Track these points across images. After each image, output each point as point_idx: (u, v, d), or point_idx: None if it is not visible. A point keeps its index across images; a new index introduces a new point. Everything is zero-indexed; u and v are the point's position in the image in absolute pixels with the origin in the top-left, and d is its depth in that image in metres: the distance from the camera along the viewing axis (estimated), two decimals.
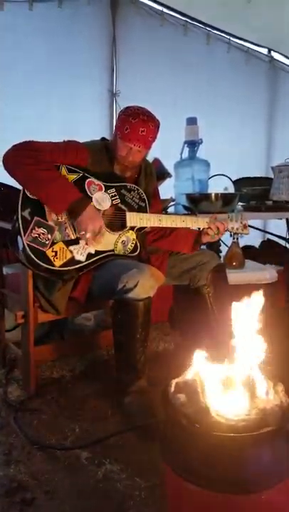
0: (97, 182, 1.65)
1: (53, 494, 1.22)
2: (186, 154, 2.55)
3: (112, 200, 1.67)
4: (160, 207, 2.05)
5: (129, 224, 1.68)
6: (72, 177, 1.61)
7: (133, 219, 1.69)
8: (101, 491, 1.23)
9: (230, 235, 1.93)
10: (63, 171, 1.61)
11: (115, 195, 1.68)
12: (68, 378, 1.91)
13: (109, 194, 1.67)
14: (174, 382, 1.09)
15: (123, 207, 1.69)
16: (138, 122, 1.62)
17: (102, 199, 1.65)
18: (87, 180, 1.64)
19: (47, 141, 1.61)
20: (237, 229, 1.87)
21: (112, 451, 1.39)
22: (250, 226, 2.13)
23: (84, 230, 1.56)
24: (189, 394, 1.03)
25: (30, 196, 1.56)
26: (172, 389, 1.06)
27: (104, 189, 1.67)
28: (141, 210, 1.72)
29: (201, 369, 1.07)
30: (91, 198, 1.62)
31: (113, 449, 1.40)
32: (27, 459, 1.36)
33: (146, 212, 1.73)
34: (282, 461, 0.96)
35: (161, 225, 1.74)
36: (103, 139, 1.81)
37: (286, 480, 0.94)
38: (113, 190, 1.68)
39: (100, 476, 1.28)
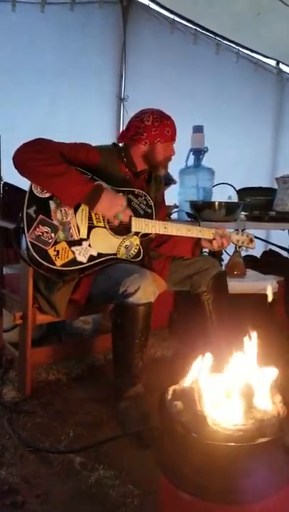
0: (105, 185, 1.66)
1: (44, 498, 1.20)
2: (191, 162, 2.56)
3: None
4: (165, 214, 2.05)
5: (134, 229, 1.68)
6: None
7: (138, 224, 1.68)
8: (93, 497, 1.21)
9: (235, 248, 1.92)
10: None
11: None
12: (64, 381, 1.90)
13: None
14: (171, 389, 1.08)
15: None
16: (171, 120, 1.76)
17: None
18: (96, 183, 1.64)
19: (57, 141, 1.61)
20: (242, 242, 1.87)
21: (106, 457, 1.37)
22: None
23: (110, 217, 1.59)
24: (186, 402, 1.02)
25: (37, 194, 1.56)
26: (169, 396, 1.05)
27: None
28: (147, 216, 1.72)
29: (198, 377, 1.06)
30: (103, 187, 1.62)
31: (107, 455, 1.38)
32: (19, 462, 1.35)
33: (152, 218, 1.72)
34: (278, 473, 0.95)
35: (166, 233, 1.74)
36: (114, 144, 1.82)
37: (281, 491, 0.93)
38: (120, 194, 1.68)
39: (93, 481, 1.27)
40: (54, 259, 1.55)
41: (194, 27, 3.46)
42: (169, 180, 2.40)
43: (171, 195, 2.48)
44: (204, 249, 1.96)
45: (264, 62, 3.96)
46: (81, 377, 1.94)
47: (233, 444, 0.91)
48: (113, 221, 1.62)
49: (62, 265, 1.56)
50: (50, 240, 1.55)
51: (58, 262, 1.55)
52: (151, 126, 1.71)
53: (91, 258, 1.60)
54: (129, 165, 1.77)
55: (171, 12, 3.31)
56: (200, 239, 1.83)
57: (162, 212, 1.96)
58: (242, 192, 2.81)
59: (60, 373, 1.95)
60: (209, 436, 0.93)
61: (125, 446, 1.43)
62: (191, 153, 2.55)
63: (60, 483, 1.26)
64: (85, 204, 1.58)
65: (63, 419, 1.59)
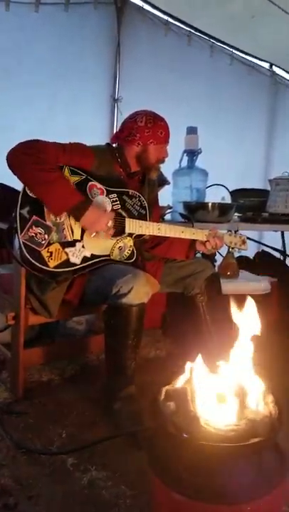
0: (99, 186, 1.65)
1: (37, 500, 1.20)
2: (184, 163, 2.57)
3: (113, 205, 1.67)
4: (159, 215, 2.06)
5: (127, 230, 1.68)
6: (75, 179, 1.61)
7: (132, 225, 1.68)
8: (86, 498, 1.21)
9: (228, 249, 1.93)
10: (66, 172, 1.61)
11: (116, 201, 1.68)
12: (57, 382, 1.89)
13: (110, 199, 1.67)
14: (164, 389, 1.08)
15: (123, 213, 1.69)
16: (164, 122, 1.76)
17: (102, 203, 1.65)
18: (90, 184, 1.64)
19: (53, 142, 1.61)
20: (235, 244, 1.88)
21: (98, 458, 1.37)
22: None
23: (93, 232, 1.58)
24: (179, 402, 1.02)
25: (31, 195, 1.56)
26: (162, 397, 1.06)
27: (105, 193, 1.67)
28: (141, 217, 1.72)
29: (191, 377, 1.06)
30: (91, 202, 1.62)
31: (100, 456, 1.38)
32: (11, 463, 1.34)
33: (146, 219, 1.73)
34: (270, 473, 0.95)
35: (160, 234, 1.74)
36: (108, 144, 1.82)
37: (273, 491, 0.93)
38: (114, 195, 1.68)
39: (86, 482, 1.27)
40: (47, 260, 1.54)
41: (188, 29, 3.47)
42: (162, 181, 2.40)
43: (165, 196, 2.48)
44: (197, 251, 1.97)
45: (258, 65, 3.98)
46: (74, 378, 1.93)
47: (225, 444, 0.91)
48: (96, 236, 1.60)
49: (56, 266, 1.55)
50: (44, 241, 1.55)
51: (51, 264, 1.55)
52: (145, 128, 1.71)
53: (84, 259, 1.60)
54: (124, 165, 1.77)
55: (165, 13, 3.32)
56: (195, 241, 1.84)
57: (156, 213, 1.96)
58: (235, 193, 2.83)
59: (53, 374, 1.95)
60: (202, 436, 0.93)
61: (118, 447, 1.42)
62: (185, 154, 2.55)
63: (52, 485, 1.25)
64: (70, 215, 1.57)
65: (56, 420, 1.58)
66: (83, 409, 1.66)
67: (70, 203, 1.53)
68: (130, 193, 1.72)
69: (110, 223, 1.60)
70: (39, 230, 1.54)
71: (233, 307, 1.11)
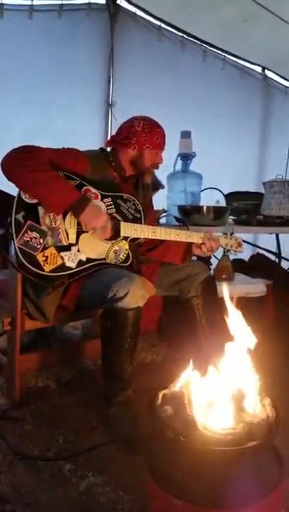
0: (93, 190, 1.66)
1: (34, 507, 1.19)
2: (179, 167, 2.58)
3: (107, 210, 1.67)
4: (154, 218, 2.06)
5: (123, 234, 1.68)
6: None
7: (127, 229, 1.69)
8: (83, 504, 1.20)
9: (224, 251, 1.94)
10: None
11: (111, 205, 1.68)
12: (54, 388, 1.88)
13: (104, 203, 1.67)
14: (160, 394, 1.08)
15: (118, 217, 1.69)
16: (161, 129, 1.78)
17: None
18: (84, 188, 1.64)
19: (46, 147, 1.61)
20: (231, 246, 1.89)
21: (95, 463, 1.36)
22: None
23: (91, 229, 1.58)
24: (176, 406, 1.02)
25: (25, 200, 1.56)
26: (159, 401, 1.06)
27: (100, 198, 1.67)
28: (136, 220, 1.72)
29: (188, 381, 1.06)
30: (89, 199, 1.62)
31: (97, 461, 1.38)
32: (8, 470, 1.33)
33: (140, 223, 1.73)
34: (268, 476, 0.95)
35: (155, 237, 1.74)
36: (102, 149, 1.82)
37: (271, 494, 0.93)
38: (109, 199, 1.69)
39: (83, 488, 1.26)
40: (43, 264, 1.54)
41: (181, 34, 3.49)
42: (157, 185, 2.41)
43: (160, 200, 2.49)
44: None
45: (250, 69, 4.01)
46: (70, 383, 1.93)
47: (222, 448, 0.91)
48: (92, 233, 1.61)
49: (51, 271, 1.55)
50: (39, 246, 1.55)
51: (47, 268, 1.55)
52: (142, 132, 1.72)
53: (80, 263, 1.60)
54: (118, 169, 1.77)
55: (158, 19, 3.34)
56: (191, 245, 1.84)
57: (151, 216, 1.96)
58: (230, 196, 2.84)
59: (49, 379, 1.94)
60: (199, 440, 0.93)
61: (115, 452, 1.42)
62: (179, 158, 2.56)
63: (49, 491, 1.25)
64: (70, 211, 1.58)
65: (52, 426, 1.57)
66: (80, 415, 1.66)
67: (71, 199, 1.53)
68: (125, 197, 1.73)
69: (107, 223, 1.61)
70: (34, 234, 1.55)
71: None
